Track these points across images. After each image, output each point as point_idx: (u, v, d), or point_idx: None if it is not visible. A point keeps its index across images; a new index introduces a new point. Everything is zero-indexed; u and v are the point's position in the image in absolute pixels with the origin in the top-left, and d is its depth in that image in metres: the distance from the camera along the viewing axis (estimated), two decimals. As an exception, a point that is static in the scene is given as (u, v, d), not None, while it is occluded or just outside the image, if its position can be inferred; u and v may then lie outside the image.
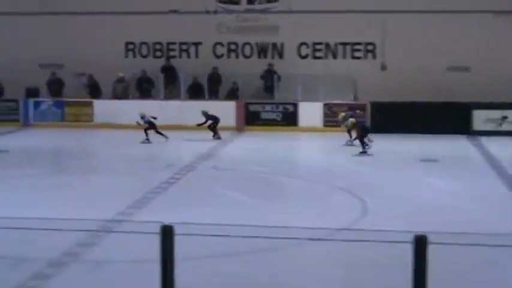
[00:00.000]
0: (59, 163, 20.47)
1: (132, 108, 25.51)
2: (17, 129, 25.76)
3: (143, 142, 22.30)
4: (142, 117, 22.69)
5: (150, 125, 22.69)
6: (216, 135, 23.29)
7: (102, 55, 27.58)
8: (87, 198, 14.37)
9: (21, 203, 13.71)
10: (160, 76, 27.63)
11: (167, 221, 5.95)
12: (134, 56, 28.58)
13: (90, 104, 26.56)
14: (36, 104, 26.92)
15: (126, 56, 28.57)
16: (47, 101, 26.92)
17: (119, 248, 10.43)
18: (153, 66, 27.79)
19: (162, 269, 5.19)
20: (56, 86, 27.79)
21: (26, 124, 26.64)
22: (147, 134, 22.50)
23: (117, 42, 28.29)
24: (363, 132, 20.52)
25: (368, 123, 23.38)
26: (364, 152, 20.00)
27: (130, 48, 28.56)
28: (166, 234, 5.16)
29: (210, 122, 23.17)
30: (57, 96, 27.43)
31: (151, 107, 25.10)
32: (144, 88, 27.57)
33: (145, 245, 8.94)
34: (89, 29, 28.12)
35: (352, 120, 21.60)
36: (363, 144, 20.14)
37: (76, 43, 27.95)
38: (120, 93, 27.26)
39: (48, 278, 9.33)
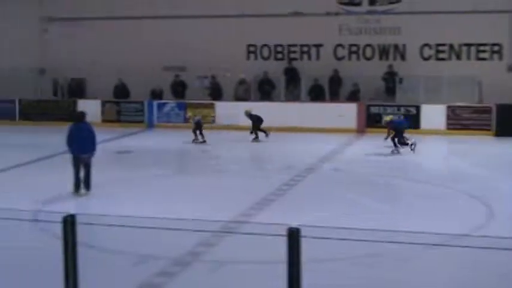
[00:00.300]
0: (181, 164, 20.84)
1: (253, 110, 25.73)
2: (141, 130, 26.42)
3: (194, 142, 22.97)
4: (194, 116, 23.68)
5: (196, 125, 23.23)
6: (256, 138, 23.31)
7: (224, 57, 27.91)
8: (209, 199, 14.53)
9: (145, 203, 14.03)
10: (282, 78, 27.73)
11: (288, 223, 5.91)
12: (255, 58, 28.80)
13: (211, 106, 26.95)
14: (160, 106, 27.56)
15: (248, 58, 28.82)
16: (170, 103, 27.51)
17: (241, 249, 10.48)
18: (274, 68, 27.93)
19: (289, 271, 5.15)
20: (179, 88, 28.39)
21: (150, 125, 27.30)
22: (195, 134, 23.08)
23: (239, 45, 28.57)
24: (397, 133, 20.66)
25: (405, 123, 21.90)
26: (395, 151, 20.39)
27: (251, 50, 28.80)
28: (293, 236, 5.12)
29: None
30: (180, 98, 27.99)
31: (272, 109, 25.27)
32: (264, 90, 27.73)
33: (268, 247, 8.97)
34: (211, 32, 28.53)
35: (386, 118, 21.52)
36: (395, 143, 20.48)
37: (199, 46, 28.40)
38: (241, 95, 27.53)
39: (172, 276, 9.49)
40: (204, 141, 23.13)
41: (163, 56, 28.84)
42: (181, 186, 16.34)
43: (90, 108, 25.78)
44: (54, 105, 28.68)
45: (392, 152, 20.62)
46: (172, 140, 24.36)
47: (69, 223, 4.39)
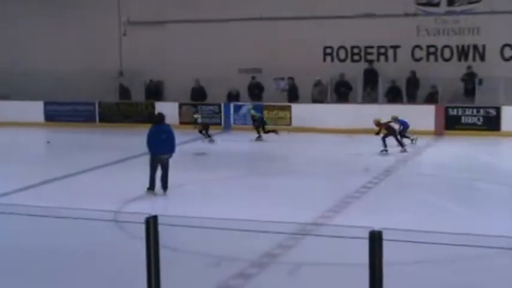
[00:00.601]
0: (257, 165, 20.87)
1: (329, 112, 25.67)
2: (218, 132, 26.57)
3: (209, 141, 23.80)
4: (196, 118, 24.77)
5: (203, 126, 24.34)
6: (259, 137, 24.24)
7: (301, 59, 27.86)
8: (286, 201, 14.49)
9: (221, 204, 14.09)
10: (359, 79, 27.52)
11: (367, 225, 5.83)
12: (332, 60, 28.62)
13: (288, 108, 26.92)
14: (237, 108, 27.69)
15: (324, 60, 28.69)
16: (246, 105, 27.59)
17: (319, 252, 10.42)
18: (350, 70, 27.73)
19: (371, 274, 5.08)
20: (255, 90, 28.47)
21: (227, 127, 27.45)
22: (203, 134, 24.09)
23: (315, 47, 28.46)
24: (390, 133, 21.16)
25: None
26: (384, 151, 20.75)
27: (328, 52, 28.64)
28: (375, 239, 5.04)
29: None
30: (257, 100, 28.05)
31: (348, 111, 25.10)
32: (341, 92, 27.55)
33: (346, 249, 8.89)
34: (287, 34, 28.50)
35: (377, 119, 21.74)
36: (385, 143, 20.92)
37: (275, 48, 28.43)
38: (317, 96, 27.44)
39: (249, 278, 9.50)
40: (212, 140, 23.96)
41: (240, 58, 28.96)
42: (257, 188, 16.38)
43: (168, 110, 26.04)
44: (133, 107, 29.12)
45: (382, 151, 20.83)
46: (248, 141, 24.43)
47: (152, 224, 4.42)
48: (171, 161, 15.23)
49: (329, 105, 27.00)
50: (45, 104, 29.89)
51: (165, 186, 15.15)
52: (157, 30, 30.38)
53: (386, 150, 20.84)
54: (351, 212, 13.39)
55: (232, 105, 27.81)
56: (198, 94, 28.88)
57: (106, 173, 18.42)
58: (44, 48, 31.55)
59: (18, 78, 30.64)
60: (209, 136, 24.23)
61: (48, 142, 24.92)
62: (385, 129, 21.41)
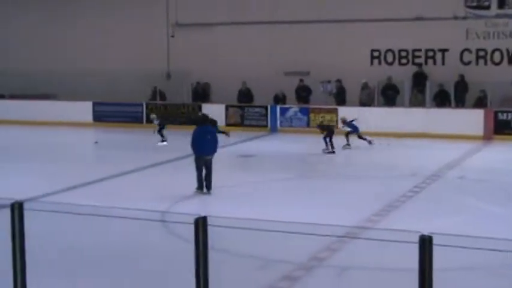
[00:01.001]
0: (303, 168, 20.84)
1: (376, 116, 25.48)
2: (264, 135, 26.60)
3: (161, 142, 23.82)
4: (152, 119, 24.78)
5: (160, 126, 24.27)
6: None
7: (348, 62, 27.75)
8: (332, 204, 14.44)
9: (266, 206, 14.08)
10: (406, 83, 27.30)
11: (414, 229, 5.76)
12: (379, 63, 28.47)
13: (334, 111, 26.82)
14: (283, 111, 27.68)
15: (372, 64, 28.53)
16: (293, 108, 27.58)
17: (366, 255, 10.34)
18: (398, 73, 27.52)
19: (420, 279, 5.03)
20: (303, 93, 28.41)
21: (273, 130, 27.45)
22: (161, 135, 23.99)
23: (363, 50, 28.34)
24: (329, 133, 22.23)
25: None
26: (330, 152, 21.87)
27: (375, 55, 28.49)
28: (425, 244, 4.99)
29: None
30: (305, 103, 28.00)
31: (395, 115, 24.92)
32: (388, 95, 27.37)
33: (393, 253, 8.81)
34: (334, 37, 28.43)
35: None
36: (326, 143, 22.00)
37: (322, 51, 28.37)
38: (364, 99, 27.29)
39: (295, 281, 9.49)
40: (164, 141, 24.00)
41: (287, 60, 28.95)
42: (303, 191, 16.37)
43: (214, 112, 26.17)
44: (179, 109, 29.29)
45: (323, 150, 21.94)
46: (294, 144, 24.42)
47: (201, 225, 4.43)
48: (218, 162, 15.31)
49: (376, 108, 26.83)
50: (94, 104, 30.25)
51: (209, 185, 15.42)
52: (204, 33, 30.53)
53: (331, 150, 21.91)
54: (398, 215, 13.30)
55: (278, 107, 27.80)
56: (245, 96, 28.96)
57: (153, 173, 18.57)
58: (92, 49, 31.93)
59: (67, 79, 31.08)
60: (162, 136, 24.18)
61: (96, 142, 25.20)
62: (325, 130, 22.42)
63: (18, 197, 7.40)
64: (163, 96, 30.41)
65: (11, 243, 4.63)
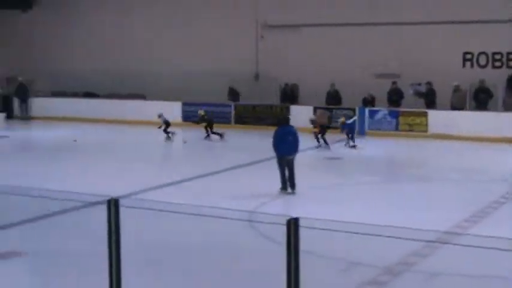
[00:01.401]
0: (390, 171, 20.61)
1: (468, 120, 25.00)
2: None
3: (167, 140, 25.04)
4: (159, 116, 25.32)
5: (166, 124, 25.17)
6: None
7: (439, 65, 27.29)
8: (420, 208, 14.22)
9: (352, 208, 14.01)
10: (500, 86, 26.65)
11: (506, 237, 5.64)
12: (472, 66, 27.86)
13: (424, 114, 26.41)
14: (372, 113, 27.44)
15: (464, 66, 27.96)
16: (382, 110, 27.31)
17: (456, 261, 10.16)
18: (491, 76, 26.89)
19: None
20: (395, 96, 27.98)
21: (361, 132, 27.22)
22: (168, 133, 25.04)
23: (455, 52, 27.80)
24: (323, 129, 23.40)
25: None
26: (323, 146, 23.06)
27: (468, 58, 27.90)
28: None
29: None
30: (396, 106, 27.60)
31: (488, 119, 24.40)
32: (481, 99, 26.73)
33: (485, 260, 8.65)
34: (425, 39, 28.00)
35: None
36: (317, 139, 23.24)
37: (413, 53, 27.99)
38: (456, 103, 26.76)
39: (382, 286, 9.39)
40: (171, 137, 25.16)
41: (376, 62, 28.68)
42: (390, 194, 16.18)
43: (302, 113, 26.21)
44: (268, 110, 29.39)
45: (317, 147, 22.96)
46: (382, 147, 24.21)
47: (293, 226, 4.45)
48: (304, 164, 15.32)
49: (468, 112, 26.29)
50: (183, 104, 30.68)
51: (293, 185, 15.57)
52: (293, 34, 30.55)
53: (320, 146, 23.11)
54: (488, 222, 13.00)
55: (367, 110, 27.57)
56: (333, 98, 28.82)
57: (241, 173, 18.71)
58: (183, 50, 32.34)
59: (157, 79, 31.63)
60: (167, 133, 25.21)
61: (185, 142, 25.55)
62: (318, 127, 23.46)
63: (113, 194, 7.61)
64: (236, 97, 30.60)
65: (107, 239, 4.74)
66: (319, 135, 23.29)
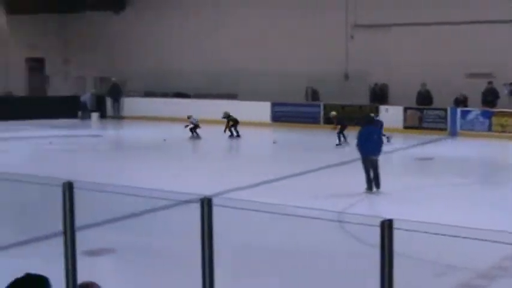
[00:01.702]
0: (483, 173, 20.15)
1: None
2: (443, 138, 25.99)
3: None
4: (189, 118, 26.09)
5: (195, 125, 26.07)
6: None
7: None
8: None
9: (443, 210, 13.70)
10: None
11: None
12: None
13: (518, 115, 25.77)
14: (464, 113, 26.89)
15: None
16: (474, 111, 26.74)
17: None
18: None
19: None
20: (489, 97, 27.28)
21: (453, 133, 26.74)
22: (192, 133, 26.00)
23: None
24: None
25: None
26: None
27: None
28: None
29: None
30: (491, 106, 26.93)
31: None
32: None
33: None
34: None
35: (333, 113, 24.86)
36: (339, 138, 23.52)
37: (506, 52, 27.30)
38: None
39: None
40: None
41: (468, 62, 28.05)
42: (484, 197, 15.77)
43: (392, 114, 25.92)
44: (358, 110, 29.17)
45: (337, 145, 23.29)
46: (475, 148, 23.70)
47: (387, 228, 4.39)
48: (395, 165, 15.14)
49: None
50: (273, 105, 30.78)
51: (377, 184, 15.51)
52: (383, 33, 30.26)
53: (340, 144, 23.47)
54: None
55: (459, 110, 27.03)
56: (424, 98, 28.39)
57: (330, 174, 18.63)
58: (273, 50, 32.41)
59: (248, 79, 31.79)
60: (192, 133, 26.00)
61: (275, 142, 25.61)
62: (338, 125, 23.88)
63: (206, 192, 7.66)
64: (316, 96, 30.48)
65: (200, 239, 4.77)
66: (338, 133, 23.70)
